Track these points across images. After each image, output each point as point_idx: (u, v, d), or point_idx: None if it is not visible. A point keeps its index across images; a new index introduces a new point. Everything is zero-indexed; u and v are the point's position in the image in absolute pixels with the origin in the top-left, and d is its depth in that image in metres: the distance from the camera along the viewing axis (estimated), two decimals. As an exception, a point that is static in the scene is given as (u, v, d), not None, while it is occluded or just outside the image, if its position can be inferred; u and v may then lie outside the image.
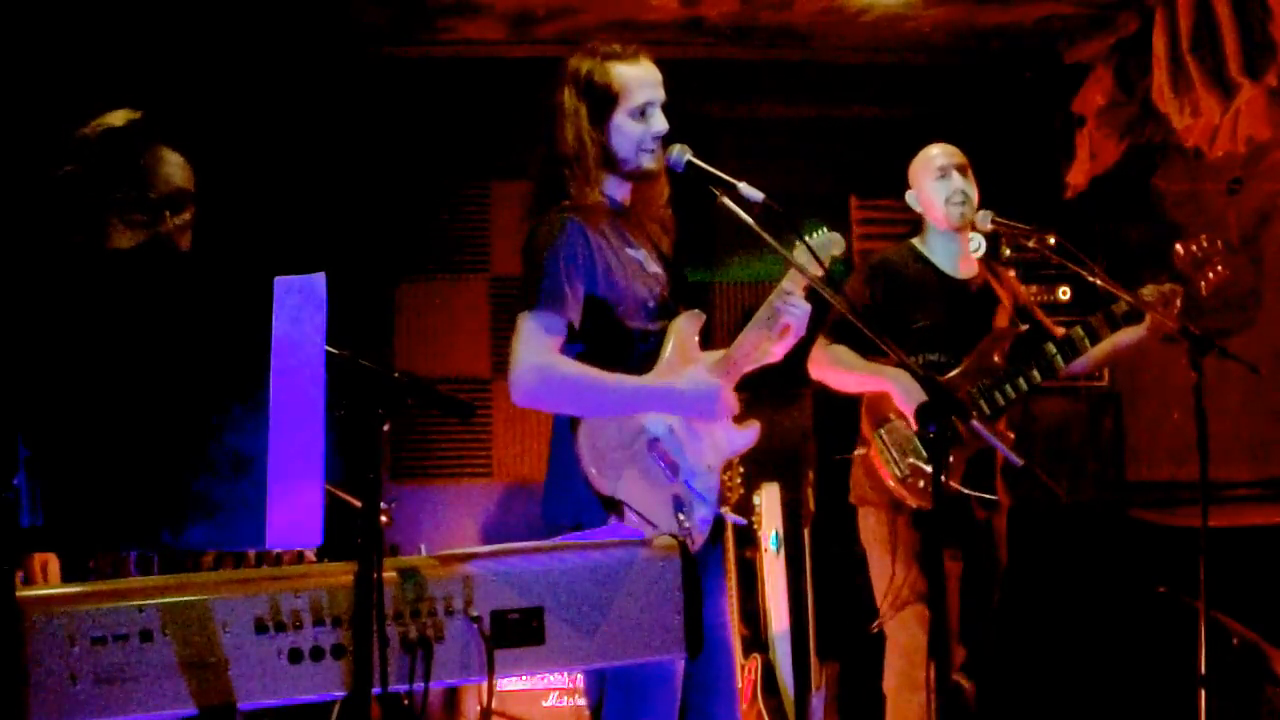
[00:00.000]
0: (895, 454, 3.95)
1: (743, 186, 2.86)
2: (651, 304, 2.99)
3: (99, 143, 2.51)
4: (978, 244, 5.30)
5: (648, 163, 3.00)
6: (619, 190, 3.04)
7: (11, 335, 1.75)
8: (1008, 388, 3.97)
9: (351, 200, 5.68)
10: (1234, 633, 4.52)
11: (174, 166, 2.55)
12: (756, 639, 5.26)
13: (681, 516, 2.87)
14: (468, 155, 5.87)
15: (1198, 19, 4.78)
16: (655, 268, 3.05)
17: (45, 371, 1.77)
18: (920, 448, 3.93)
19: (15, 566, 1.93)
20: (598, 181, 2.98)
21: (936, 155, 4.18)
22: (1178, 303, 3.97)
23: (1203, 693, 3.78)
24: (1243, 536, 4.76)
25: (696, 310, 3.07)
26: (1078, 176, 5.69)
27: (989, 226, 4.16)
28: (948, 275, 4.19)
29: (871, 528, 4.08)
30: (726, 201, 2.85)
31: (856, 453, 4.14)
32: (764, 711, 4.97)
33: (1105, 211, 5.76)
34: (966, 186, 4.15)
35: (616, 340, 2.94)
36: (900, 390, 3.91)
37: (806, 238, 3.11)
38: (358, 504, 2.07)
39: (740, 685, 5.00)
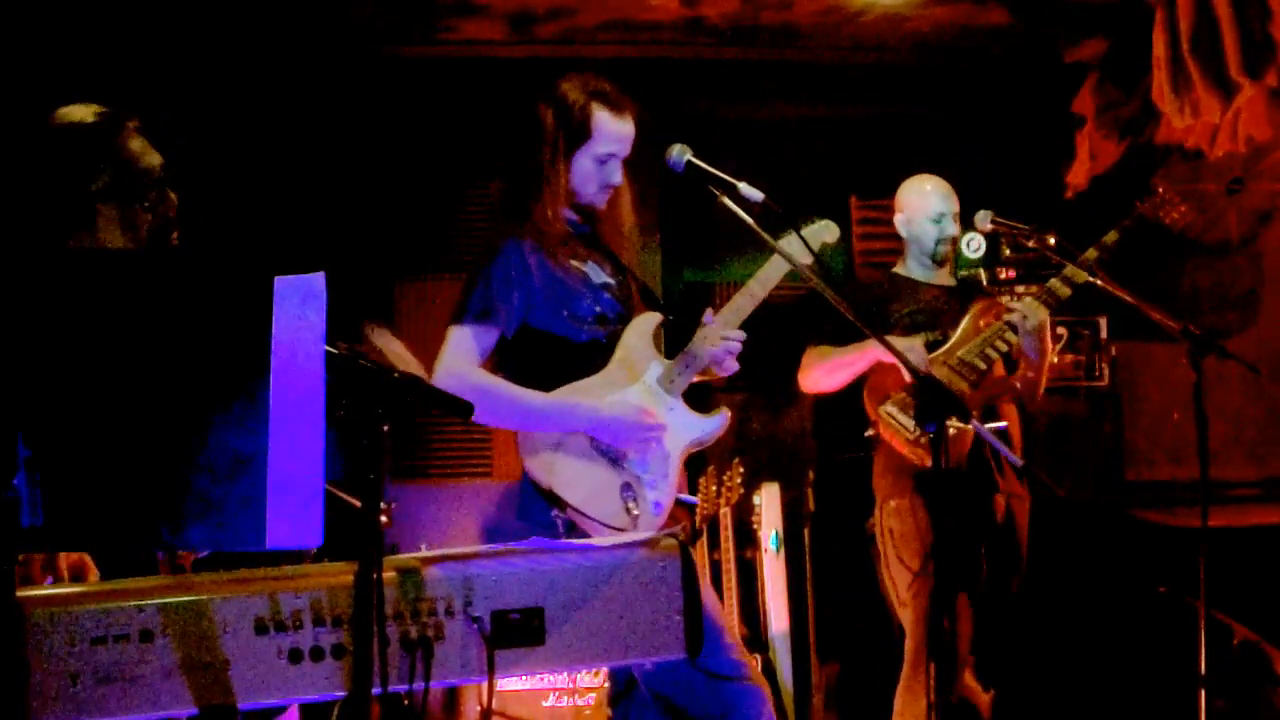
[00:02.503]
0: (902, 419, 3.99)
1: (743, 186, 2.88)
2: (599, 309, 3.07)
3: (74, 135, 2.54)
4: (978, 244, 5.32)
5: (598, 202, 3.11)
6: (571, 212, 3.12)
7: (11, 335, 1.75)
8: (999, 342, 4.05)
9: (352, 200, 5.68)
10: (1236, 633, 4.52)
11: (150, 151, 2.60)
12: (756, 639, 5.26)
13: (631, 505, 2.93)
14: (468, 155, 5.87)
15: (1198, 19, 4.78)
16: (606, 278, 3.13)
17: (45, 371, 1.77)
18: None
19: (16, 565, 1.93)
20: (562, 202, 3.07)
21: (933, 196, 4.28)
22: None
23: (1203, 693, 3.79)
24: (1243, 536, 4.76)
25: (652, 313, 3.15)
26: (1078, 176, 5.69)
27: (989, 226, 4.20)
28: (923, 282, 4.33)
29: (898, 523, 4.09)
30: (726, 201, 2.87)
31: (867, 433, 4.18)
32: (764, 711, 4.96)
33: (1105, 211, 5.76)
34: (955, 230, 4.34)
35: (559, 348, 3.03)
36: (885, 347, 3.96)
37: (801, 229, 3.17)
38: (358, 504, 2.06)
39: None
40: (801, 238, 3.03)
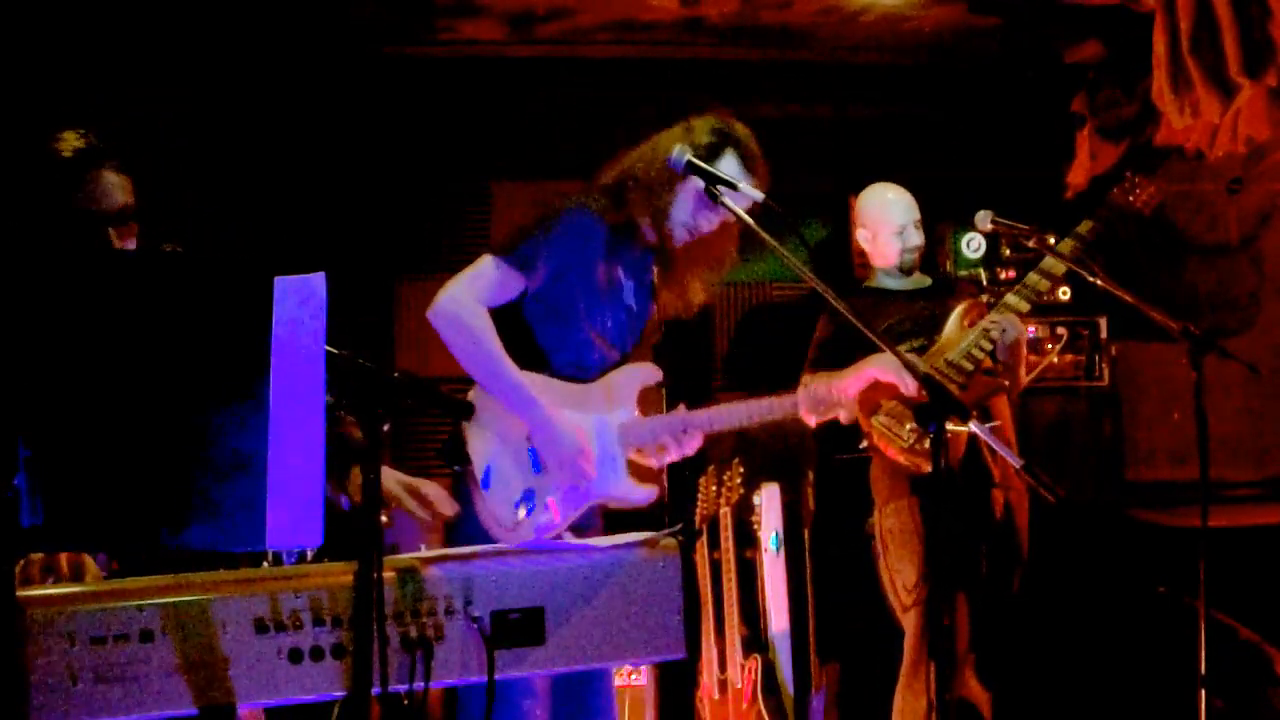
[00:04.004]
0: (894, 429, 4.00)
1: (743, 186, 2.87)
2: (611, 325, 3.03)
3: (50, 166, 2.57)
4: (978, 244, 5.32)
5: (677, 236, 3.03)
6: (650, 230, 3.08)
7: (12, 335, 1.75)
8: (984, 342, 4.05)
9: (352, 200, 5.68)
10: (1237, 633, 4.53)
11: (115, 186, 2.60)
12: (756, 639, 5.26)
13: (520, 511, 2.89)
14: (468, 155, 5.87)
15: (1198, 19, 4.77)
16: (630, 303, 3.09)
17: (46, 371, 1.77)
18: (912, 412, 4.00)
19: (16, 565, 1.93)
20: (656, 211, 3.02)
21: (895, 208, 4.30)
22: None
23: (1203, 693, 3.79)
24: (1243, 536, 4.76)
25: (649, 365, 3.11)
26: (1078, 176, 5.69)
27: (989, 226, 4.20)
28: (898, 290, 4.35)
29: (900, 525, 4.10)
30: (727, 201, 2.86)
31: (860, 445, 4.19)
32: (764, 711, 4.97)
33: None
34: (922, 239, 4.35)
35: (556, 331, 2.99)
36: (881, 367, 3.97)
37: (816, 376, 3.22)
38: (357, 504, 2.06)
39: (740, 685, 5.01)
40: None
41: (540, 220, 2.96)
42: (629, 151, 3.09)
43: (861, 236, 4.40)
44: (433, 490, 2.77)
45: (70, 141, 2.59)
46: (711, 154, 2.98)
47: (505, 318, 2.98)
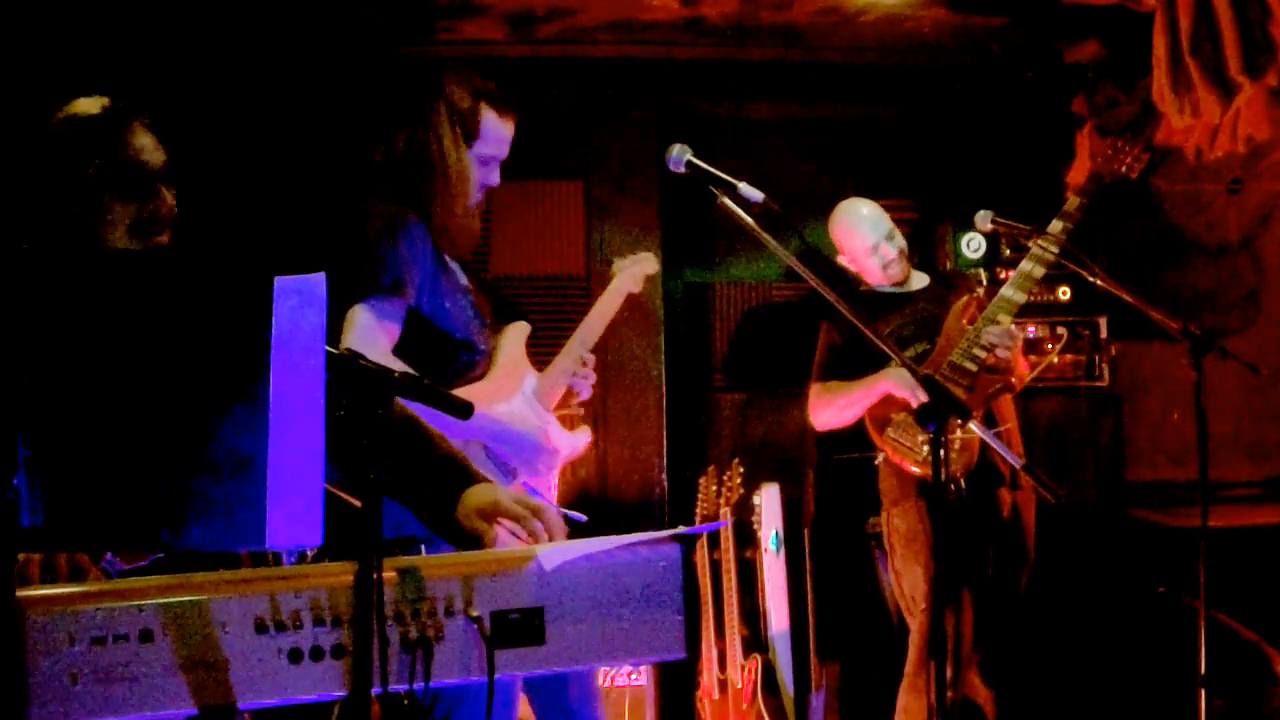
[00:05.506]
0: (908, 443, 4.01)
1: (743, 186, 2.87)
2: (470, 311, 3.01)
3: (76, 127, 2.50)
4: (978, 244, 5.33)
5: (473, 204, 3.06)
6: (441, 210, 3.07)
7: (11, 335, 1.75)
8: (985, 341, 4.05)
9: (352, 200, 5.68)
10: (1237, 633, 4.53)
11: (153, 149, 2.57)
12: (756, 639, 5.26)
13: None
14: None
15: (1198, 19, 4.77)
16: (465, 280, 3.09)
17: (45, 371, 1.77)
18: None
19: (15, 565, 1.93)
20: (469, 197, 3.03)
21: (864, 225, 4.31)
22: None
23: (1203, 693, 3.79)
24: (1243, 536, 4.76)
25: (522, 322, 3.14)
26: (1078, 176, 5.69)
27: (989, 226, 4.21)
28: (894, 294, 4.38)
29: (908, 525, 4.11)
30: (726, 201, 2.86)
31: (876, 461, 4.19)
32: (764, 711, 4.97)
33: (1105, 211, 5.76)
34: (900, 245, 4.36)
35: (441, 342, 2.94)
36: (894, 383, 3.98)
37: (618, 260, 3.28)
38: (358, 504, 2.06)
39: (740, 685, 5.01)
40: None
41: (376, 245, 2.89)
42: (407, 143, 3.08)
43: (842, 261, 4.43)
44: (554, 517, 2.47)
45: (91, 104, 2.55)
46: (473, 113, 3.02)
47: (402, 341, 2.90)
